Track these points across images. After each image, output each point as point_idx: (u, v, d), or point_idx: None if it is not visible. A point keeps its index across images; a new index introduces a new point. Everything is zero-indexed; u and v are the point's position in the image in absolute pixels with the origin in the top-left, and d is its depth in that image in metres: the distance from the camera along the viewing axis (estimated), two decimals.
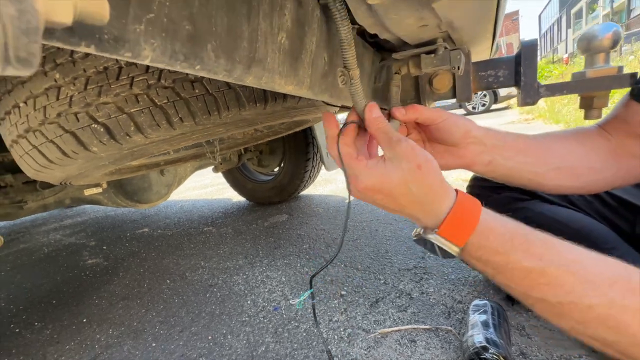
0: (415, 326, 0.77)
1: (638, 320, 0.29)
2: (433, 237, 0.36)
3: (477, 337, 0.62)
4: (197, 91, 0.54)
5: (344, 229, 0.47)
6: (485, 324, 0.65)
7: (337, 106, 0.84)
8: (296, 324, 0.86)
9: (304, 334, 0.81)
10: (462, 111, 7.80)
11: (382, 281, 1.00)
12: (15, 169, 1.12)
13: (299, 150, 1.88)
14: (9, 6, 0.10)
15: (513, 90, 0.75)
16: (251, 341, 0.82)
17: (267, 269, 1.22)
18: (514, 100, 7.18)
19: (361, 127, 0.43)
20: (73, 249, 1.97)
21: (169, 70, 0.52)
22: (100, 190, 1.27)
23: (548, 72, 8.67)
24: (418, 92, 0.64)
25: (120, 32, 0.17)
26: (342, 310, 0.89)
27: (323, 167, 1.84)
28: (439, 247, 0.36)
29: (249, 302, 1.01)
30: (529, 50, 0.56)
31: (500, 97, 7.06)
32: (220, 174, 2.40)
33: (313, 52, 0.37)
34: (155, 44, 0.19)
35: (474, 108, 7.38)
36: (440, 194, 0.36)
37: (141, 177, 1.39)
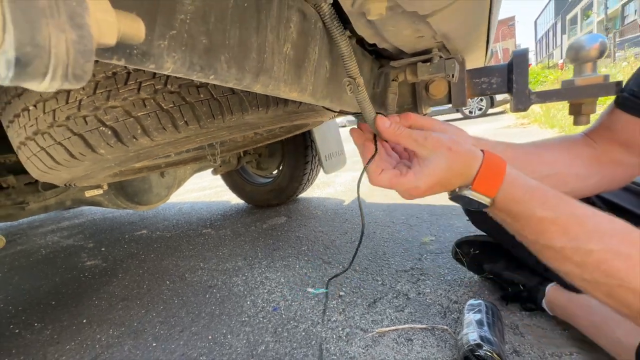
0: (412, 325, 0.79)
1: (627, 265, 0.33)
2: (468, 193, 0.41)
3: (471, 335, 0.64)
4: (202, 96, 0.56)
5: (362, 232, 0.49)
6: (479, 323, 0.67)
7: (335, 111, 0.86)
8: (295, 324, 0.87)
9: (303, 334, 0.83)
10: (459, 115, 7.87)
11: (379, 282, 1.01)
12: (17, 171, 1.13)
13: (298, 153, 1.90)
14: (72, 32, 0.12)
15: None
16: (251, 340, 0.84)
17: (266, 271, 1.23)
18: None
19: (376, 137, 0.45)
20: (71, 250, 1.97)
21: (175, 75, 0.54)
22: (101, 191, 1.28)
23: (544, 77, 8.78)
24: (415, 97, 0.67)
25: (147, 47, 0.19)
26: (341, 310, 0.90)
27: (321, 170, 1.86)
28: (474, 200, 0.41)
29: (248, 302, 1.02)
30: (520, 59, 0.59)
31: (497, 101, 7.14)
32: (218, 177, 2.41)
33: (315, 61, 0.39)
34: (176, 56, 0.22)
35: (470, 112, 7.45)
36: (471, 159, 0.40)
37: (142, 179, 1.41)
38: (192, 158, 1.36)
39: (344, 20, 0.37)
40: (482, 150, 0.42)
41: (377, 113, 0.44)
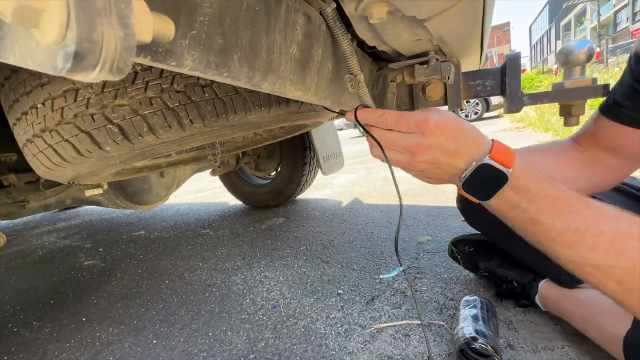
0: (409, 322, 0.81)
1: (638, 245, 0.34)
2: (487, 160, 0.39)
3: (467, 329, 0.66)
4: (207, 95, 0.58)
5: (400, 212, 0.46)
6: (475, 318, 0.69)
7: (335, 111, 0.88)
8: (295, 321, 0.89)
9: (303, 330, 0.84)
10: None
11: (377, 280, 1.03)
12: (18, 169, 1.14)
13: (296, 155, 1.92)
14: (120, 30, 0.14)
15: None
16: (251, 337, 0.85)
17: (265, 270, 1.24)
18: None
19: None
20: (68, 251, 1.96)
21: (181, 75, 0.56)
22: (101, 191, 1.29)
23: (539, 82, 8.89)
24: (412, 99, 0.69)
25: (171, 46, 0.21)
26: (339, 307, 0.92)
27: (320, 171, 1.88)
28: (494, 168, 0.39)
29: (247, 300, 1.04)
30: (512, 62, 0.61)
31: (492, 105, 7.23)
32: (216, 179, 2.43)
33: (319, 61, 0.41)
34: (195, 55, 0.23)
35: (466, 116, 7.53)
36: (477, 130, 0.41)
37: (141, 179, 1.42)
38: (193, 158, 1.37)
39: (345, 25, 0.40)
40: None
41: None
